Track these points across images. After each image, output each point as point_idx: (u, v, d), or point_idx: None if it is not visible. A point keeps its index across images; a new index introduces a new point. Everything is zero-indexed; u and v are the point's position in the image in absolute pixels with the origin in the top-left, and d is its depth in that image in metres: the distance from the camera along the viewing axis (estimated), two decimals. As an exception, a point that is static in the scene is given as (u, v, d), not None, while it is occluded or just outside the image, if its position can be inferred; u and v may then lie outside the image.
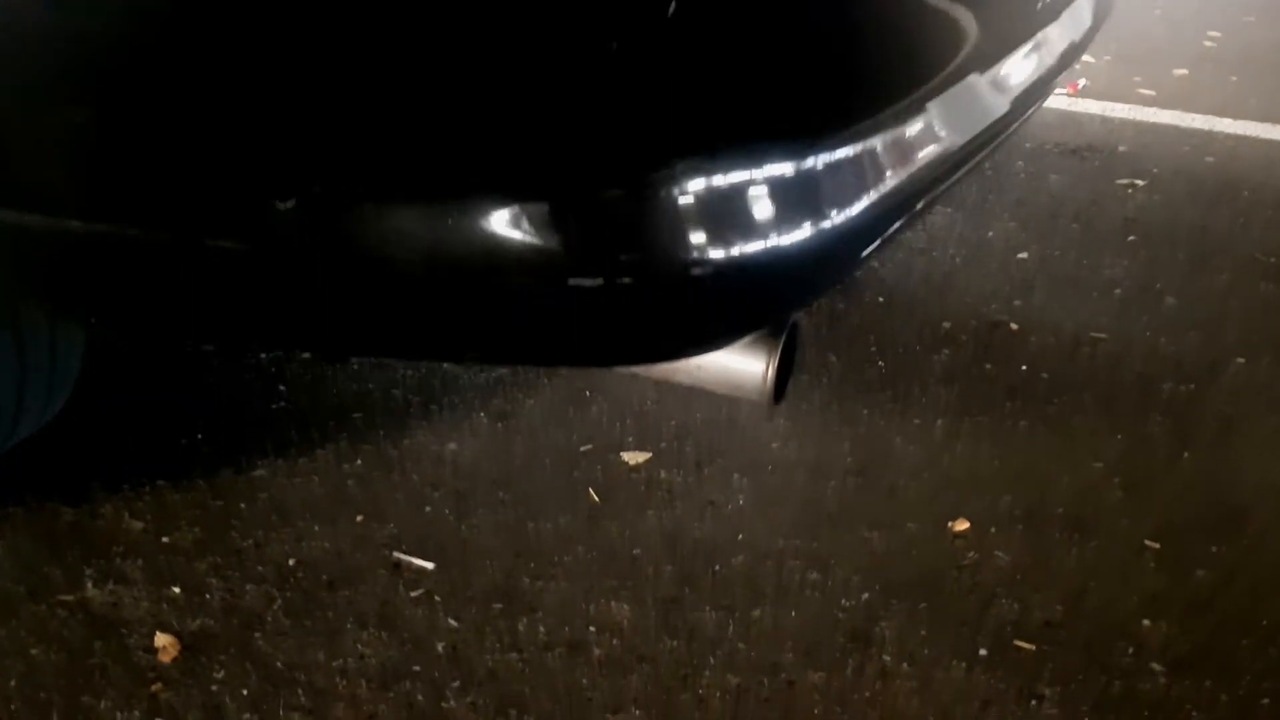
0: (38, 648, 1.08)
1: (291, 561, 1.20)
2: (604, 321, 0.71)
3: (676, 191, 0.66)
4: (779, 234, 0.70)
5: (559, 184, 0.67)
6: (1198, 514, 1.28)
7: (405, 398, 1.50)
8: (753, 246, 0.69)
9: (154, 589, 1.16)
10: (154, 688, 1.04)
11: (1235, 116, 2.70)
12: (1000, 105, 0.98)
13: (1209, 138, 2.55)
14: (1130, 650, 1.09)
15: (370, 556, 1.21)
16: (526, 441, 1.41)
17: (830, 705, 1.02)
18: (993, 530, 1.25)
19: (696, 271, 0.67)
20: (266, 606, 1.14)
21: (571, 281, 0.67)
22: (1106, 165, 2.38)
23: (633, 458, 1.38)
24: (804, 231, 0.71)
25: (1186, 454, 1.39)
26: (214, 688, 1.04)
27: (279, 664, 1.07)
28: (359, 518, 1.27)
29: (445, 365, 1.58)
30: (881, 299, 1.78)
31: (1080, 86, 2.92)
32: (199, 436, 1.41)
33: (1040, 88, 1.12)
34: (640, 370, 1.13)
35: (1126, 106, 2.77)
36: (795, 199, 0.70)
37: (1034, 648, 1.09)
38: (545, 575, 1.19)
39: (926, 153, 0.83)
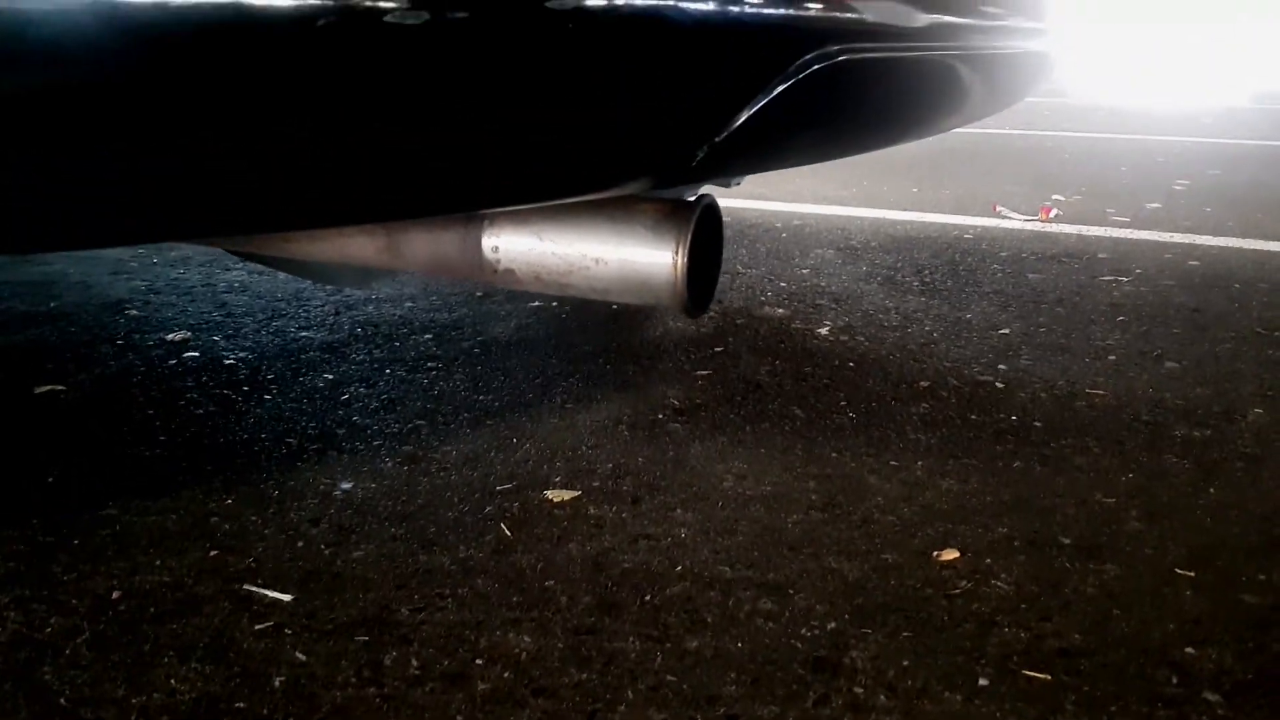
0: None
1: (115, 594, 0.96)
2: (430, 94, 0.53)
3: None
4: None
5: None
6: (1237, 541, 1.05)
7: (300, 445, 1.29)
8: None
9: (-70, 620, 0.91)
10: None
11: (1215, 234, 2.63)
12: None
13: (1191, 248, 2.46)
14: (1174, 679, 0.84)
15: (215, 588, 0.97)
16: (435, 482, 1.19)
17: (783, 738, 0.76)
18: (988, 560, 1.02)
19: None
20: (69, 639, 0.89)
21: (388, 17, 0.50)
22: (1088, 266, 2.27)
23: (558, 495, 1.16)
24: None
25: (1212, 490, 1.17)
26: (-34, 725, 0.78)
27: (62, 700, 0.81)
28: (212, 551, 1.03)
29: (349, 397, 1.37)
30: (852, 364, 1.61)
31: (1053, 214, 2.87)
32: (50, 480, 1.19)
33: None
34: (525, 273, 0.93)
35: (1102, 229, 2.70)
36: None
37: (1049, 677, 0.84)
38: (431, 607, 0.94)
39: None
